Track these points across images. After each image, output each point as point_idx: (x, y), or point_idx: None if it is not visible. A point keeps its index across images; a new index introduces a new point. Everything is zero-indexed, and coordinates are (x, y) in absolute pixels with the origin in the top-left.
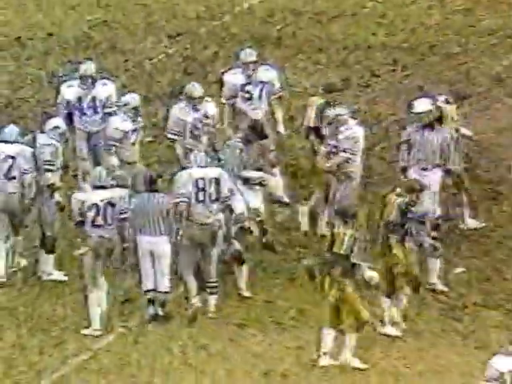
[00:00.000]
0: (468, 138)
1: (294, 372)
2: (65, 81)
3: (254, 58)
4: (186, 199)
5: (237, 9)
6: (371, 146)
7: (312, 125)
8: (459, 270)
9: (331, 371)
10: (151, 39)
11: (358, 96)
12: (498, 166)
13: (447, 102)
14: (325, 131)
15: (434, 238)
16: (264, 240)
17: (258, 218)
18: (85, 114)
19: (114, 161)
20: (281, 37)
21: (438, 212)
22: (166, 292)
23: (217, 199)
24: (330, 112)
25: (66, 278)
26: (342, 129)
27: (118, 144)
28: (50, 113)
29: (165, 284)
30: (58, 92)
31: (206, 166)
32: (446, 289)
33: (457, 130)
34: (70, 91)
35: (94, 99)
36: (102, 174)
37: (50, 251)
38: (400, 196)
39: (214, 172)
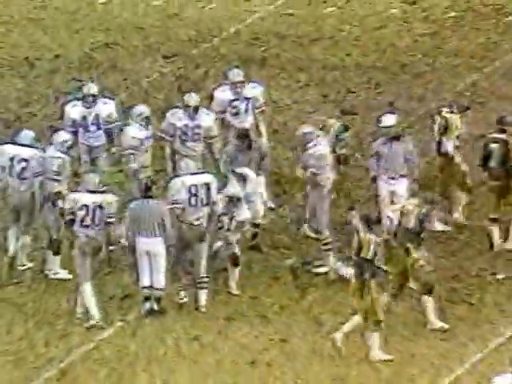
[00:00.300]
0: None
1: (277, 362)
2: (68, 101)
3: (240, 78)
4: (180, 205)
5: (225, 33)
6: (349, 156)
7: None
8: (427, 268)
9: (312, 361)
10: (148, 60)
11: (335, 110)
12: None
13: (451, 112)
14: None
15: None
16: (253, 242)
17: (257, 221)
18: (89, 130)
19: (134, 165)
20: (265, 57)
21: None
22: (161, 289)
23: (207, 203)
24: (299, 131)
25: (70, 277)
26: (309, 145)
27: (135, 151)
28: (56, 126)
29: (160, 281)
30: (63, 112)
31: (197, 173)
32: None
33: (457, 137)
34: (75, 110)
35: (97, 116)
36: (94, 180)
37: (56, 253)
38: (418, 207)
39: (204, 178)
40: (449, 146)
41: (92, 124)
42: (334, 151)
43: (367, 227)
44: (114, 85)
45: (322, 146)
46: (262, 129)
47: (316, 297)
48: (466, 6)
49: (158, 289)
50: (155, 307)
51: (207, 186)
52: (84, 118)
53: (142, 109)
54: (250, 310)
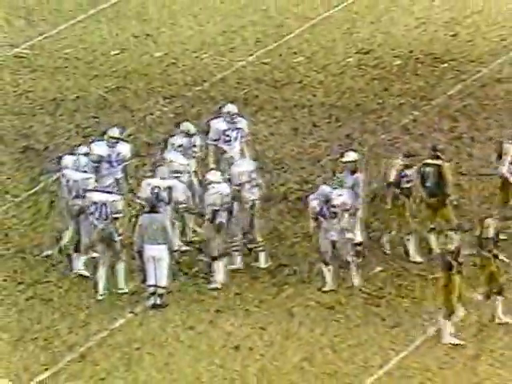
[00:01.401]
0: None
1: (257, 346)
2: (93, 141)
3: (235, 110)
4: (143, 202)
5: (214, 78)
6: (314, 178)
7: (393, 180)
8: (378, 269)
9: (286, 346)
10: (151, 100)
11: (303, 141)
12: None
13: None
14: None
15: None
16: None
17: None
18: (113, 165)
19: (184, 187)
20: (247, 98)
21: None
22: (163, 287)
23: (169, 203)
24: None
25: (88, 274)
26: (232, 166)
27: (181, 174)
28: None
29: (163, 281)
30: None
31: (165, 178)
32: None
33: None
34: (100, 149)
35: (118, 154)
36: (104, 183)
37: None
38: (494, 220)
39: (169, 182)
40: (503, 169)
41: (116, 160)
42: (398, 186)
43: (461, 232)
44: (124, 121)
45: (237, 167)
46: (247, 154)
47: (289, 293)
48: (409, 55)
49: (160, 287)
50: (158, 302)
51: (170, 188)
52: (109, 155)
53: (180, 140)
54: (236, 304)
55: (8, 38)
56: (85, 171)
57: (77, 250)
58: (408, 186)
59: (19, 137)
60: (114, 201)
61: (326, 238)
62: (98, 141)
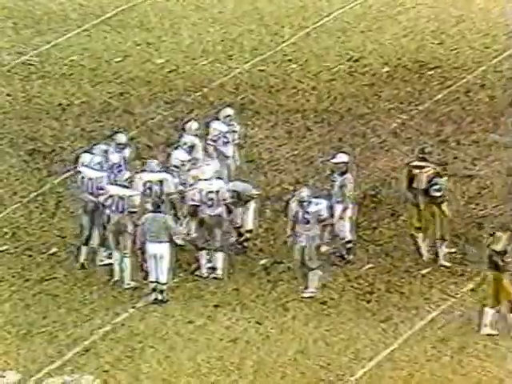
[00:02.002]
0: None
1: (254, 340)
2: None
3: (231, 113)
4: (138, 196)
5: (212, 84)
6: (308, 180)
7: (423, 187)
8: (368, 266)
9: (281, 339)
10: (153, 105)
11: (297, 144)
12: (395, 192)
13: None
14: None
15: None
16: (245, 244)
17: (249, 228)
18: (121, 170)
19: (177, 180)
20: (243, 103)
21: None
22: (164, 283)
23: (161, 195)
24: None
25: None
26: None
27: (179, 169)
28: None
29: (164, 277)
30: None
31: (155, 172)
32: None
33: None
34: (113, 156)
35: (124, 158)
36: (122, 177)
37: (102, 245)
38: None
39: (160, 176)
40: None
41: (124, 164)
42: (427, 193)
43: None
44: (126, 124)
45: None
46: (238, 156)
47: (284, 289)
48: (397, 63)
49: (161, 283)
50: (159, 297)
51: (161, 182)
52: (118, 162)
53: (189, 139)
54: (233, 299)
55: (17, 47)
56: (98, 169)
57: (86, 244)
58: (437, 194)
59: (27, 140)
60: (131, 196)
61: (297, 243)
62: (104, 145)
